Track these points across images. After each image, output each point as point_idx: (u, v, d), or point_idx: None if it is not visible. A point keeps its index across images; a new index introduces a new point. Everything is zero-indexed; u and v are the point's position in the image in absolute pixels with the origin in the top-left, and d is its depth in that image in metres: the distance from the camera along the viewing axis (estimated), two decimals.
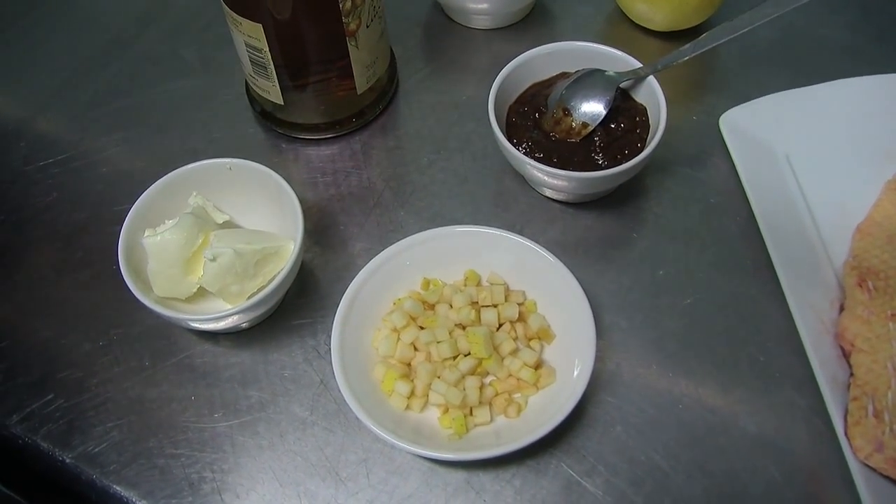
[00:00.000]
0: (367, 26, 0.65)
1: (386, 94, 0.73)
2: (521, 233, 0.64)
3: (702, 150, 0.69)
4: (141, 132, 0.74)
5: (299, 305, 0.63)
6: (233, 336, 0.62)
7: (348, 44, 0.64)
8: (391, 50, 0.74)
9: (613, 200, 0.67)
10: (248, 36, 0.63)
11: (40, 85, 0.78)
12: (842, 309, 0.59)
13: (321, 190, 0.69)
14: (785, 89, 0.70)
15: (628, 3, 0.73)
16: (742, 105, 0.68)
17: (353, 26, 0.63)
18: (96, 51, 0.80)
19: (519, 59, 0.66)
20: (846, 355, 0.57)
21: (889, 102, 0.68)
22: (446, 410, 0.56)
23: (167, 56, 0.79)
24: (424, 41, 0.78)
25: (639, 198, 0.67)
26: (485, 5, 0.73)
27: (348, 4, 0.62)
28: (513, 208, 0.67)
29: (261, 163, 0.62)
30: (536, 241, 0.60)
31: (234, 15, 0.62)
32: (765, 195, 0.64)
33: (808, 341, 0.57)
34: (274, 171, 0.62)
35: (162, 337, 0.62)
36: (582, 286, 0.58)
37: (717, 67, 0.75)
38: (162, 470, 0.57)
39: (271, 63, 0.65)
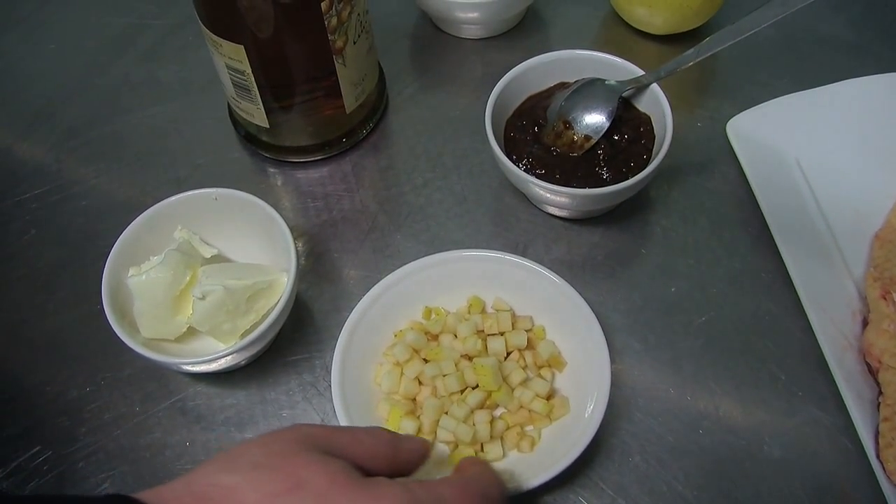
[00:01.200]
0: (355, 43, 0.62)
1: (376, 111, 0.70)
2: (524, 253, 0.62)
3: (709, 158, 0.66)
4: (121, 161, 0.70)
5: (294, 340, 0.60)
6: (226, 375, 0.59)
7: (335, 62, 0.61)
8: (379, 65, 0.71)
9: (619, 215, 0.64)
10: (229, 58, 0.60)
11: (14, 114, 0.75)
12: (865, 322, 0.56)
13: (312, 215, 0.66)
14: (790, 91, 0.67)
15: (626, 7, 0.70)
16: (749, 110, 0.65)
17: (339, 43, 0.60)
18: (72, 77, 0.76)
19: (515, 70, 0.63)
20: (873, 373, 0.54)
21: None
22: (456, 447, 0.54)
23: (146, 80, 0.75)
24: (413, 54, 0.75)
25: (645, 211, 0.64)
26: (475, 14, 0.70)
27: (334, 21, 0.59)
28: (514, 227, 0.64)
29: (248, 189, 0.59)
30: (541, 261, 0.57)
31: (214, 36, 0.59)
32: (777, 203, 0.61)
33: (831, 357, 0.55)
34: (262, 198, 0.58)
35: (152, 379, 0.59)
36: (591, 307, 0.55)
37: (719, 70, 0.72)
38: None
39: (254, 85, 0.61)
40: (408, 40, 0.76)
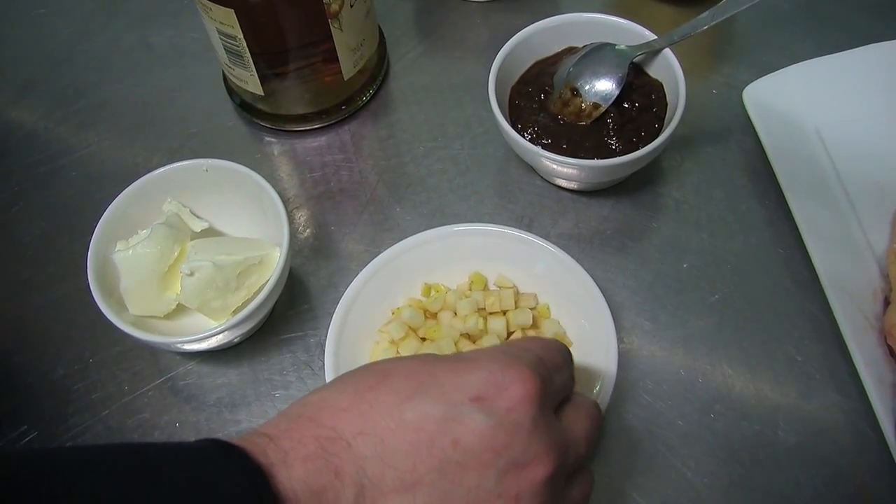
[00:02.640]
0: (352, 6, 0.59)
1: (375, 77, 0.67)
2: (529, 227, 0.59)
3: (724, 126, 0.63)
4: (112, 131, 0.68)
5: (289, 317, 0.58)
6: (218, 353, 0.57)
7: (331, 26, 0.58)
8: (379, 28, 0.68)
9: (629, 186, 0.61)
10: (220, 23, 0.57)
11: (1, 83, 0.72)
12: (886, 302, 0.53)
13: (309, 187, 0.63)
14: (811, 57, 0.64)
15: None
16: (766, 76, 0.62)
17: (335, 7, 0.57)
18: (61, 44, 0.74)
19: (520, 35, 0.60)
20: (895, 355, 0.51)
21: None
22: None
23: (136, 46, 0.73)
24: (415, 17, 0.72)
25: (657, 182, 0.61)
26: None
27: None
28: (519, 199, 0.61)
29: (243, 159, 0.57)
30: (547, 236, 0.55)
31: (204, 0, 0.56)
32: (795, 175, 0.58)
33: (850, 338, 0.52)
34: (257, 169, 0.56)
35: (141, 358, 0.57)
36: (599, 284, 0.52)
37: (736, 34, 0.69)
38: None
39: (247, 51, 0.59)
40: (410, 2, 0.72)
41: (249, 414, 0.54)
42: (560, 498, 0.38)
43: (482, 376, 0.37)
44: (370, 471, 0.35)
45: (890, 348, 0.52)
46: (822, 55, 0.63)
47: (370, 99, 0.67)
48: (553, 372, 0.40)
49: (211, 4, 0.56)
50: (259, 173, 0.55)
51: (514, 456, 0.36)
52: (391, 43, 0.69)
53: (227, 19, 0.56)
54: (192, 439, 0.53)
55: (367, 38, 0.63)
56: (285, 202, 0.56)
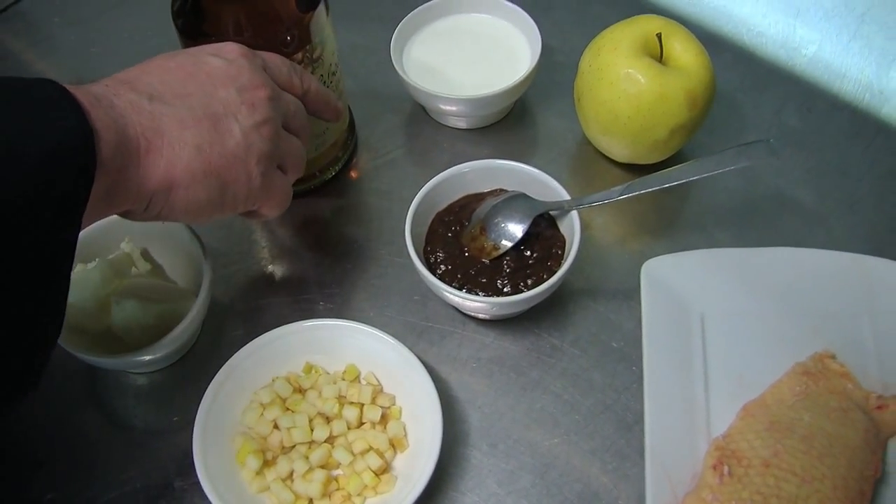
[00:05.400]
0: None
1: (335, 164, 0.75)
2: (419, 337, 0.67)
3: (623, 291, 0.69)
4: None
5: (201, 354, 0.68)
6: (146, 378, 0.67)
7: None
8: (352, 127, 0.77)
9: (517, 322, 0.67)
10: None
11: None
12: None
13: (245, 254, 0.73)
14: (727, 245, 0.69)
15: (593, 133, 0.74)
16: (669, 255, 0.67)
17: None
18: None
19: (455, 169, 0.68)
20: None
21: (825, 280, 0.66)
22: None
23: None
24: (395, 129, 0.80)
25: (543, 325, 0.67)
26: (454, 108, 0.75)
27: None
28: (417, 313, 0.69)
29: None
30: (427, 350, 0.63)
31: None
32: (663, 350, 0.63)
33: None
34: (204, 229, 0.66)
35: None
36: (459, 404, 0.60)
37: (671, 208, 0.74)
38: None
39: None
40: (395, 115, 0.81)
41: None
42: (281, 133, 0.57)
43: (213, 47, 0.56)
44: (156, 88, 0.51)
45: None
46: (741, 246, 0.68)
47: (324, 184, 0.75)
48: (255, 60, 0.57)
49: None
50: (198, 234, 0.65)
51: (243, 82, 0.54)
52: (365, 145, 0.78)
53: None
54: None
55: (331, 129, 0.72)
56: (218, 258, 0.66)
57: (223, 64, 0.54)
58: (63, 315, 0.46)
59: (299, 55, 0.64)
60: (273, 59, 0.59)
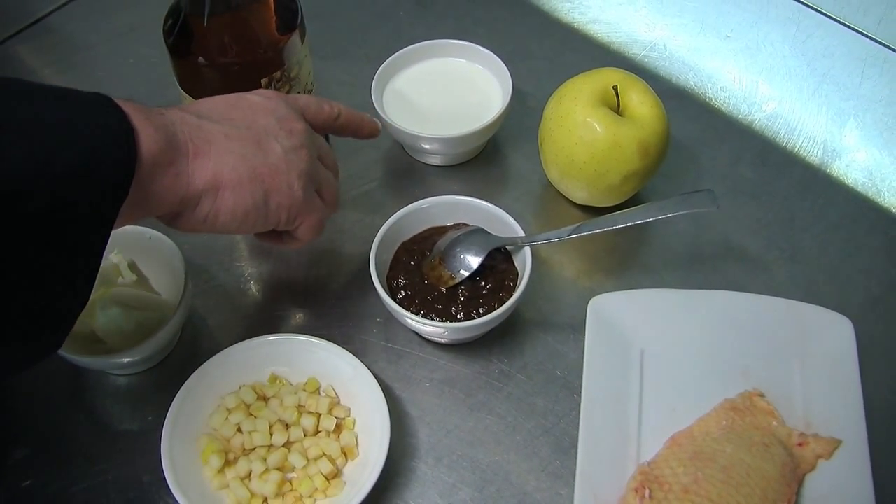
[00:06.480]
0: None
1: None
2: (374, 359, 0.72)
3: (572, 325, 0.73)
4: None
5: (178, 358, 0.73)
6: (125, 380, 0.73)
7: None
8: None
9: (472, 347, 0.73)
10: None
11: None
12: None
13: (226, 263, 0.79)
14: (672, 286, 0.74)
15: (553, 176, 0.79)
16: (615, 292, 0.72)
17: None
18: None
19: (420, 203, 0.73)
20: None
21: (762, 323, 0.70)
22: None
23: None
24: (372, 163, 0.86)
25: (494, 351, 0.72)
26: (428, 146, 0.81)
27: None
28: (381, 333, 0.74)
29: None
30: (385, 369, 0.68)
31: None
32: (602, 381, 0.68)
33: None
34: (189, 250, 0.72)
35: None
36: (409, 420, 0.65)
37: (624, 249, 0.79)
38: None
39: None
40: (373, 150, 0.86)
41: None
42: (317, 163, 0.63)
43: (252, 91, 0.63)
44: (203, 111, 0.58)
45: None
46: (686, 287, 0.73)
47: None
48: (290, 101, 0.64)
49: None
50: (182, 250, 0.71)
51: (281, 114, 0.61)
52: (343, 177, 0.83)
53: None
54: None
55: None
56: (200, 274, 0.72)
57: (262, 100, 0.62)
58: (91, 288, 0.50)
59: (278, 73, 0.71)
60: (302, 98, 0.67)
